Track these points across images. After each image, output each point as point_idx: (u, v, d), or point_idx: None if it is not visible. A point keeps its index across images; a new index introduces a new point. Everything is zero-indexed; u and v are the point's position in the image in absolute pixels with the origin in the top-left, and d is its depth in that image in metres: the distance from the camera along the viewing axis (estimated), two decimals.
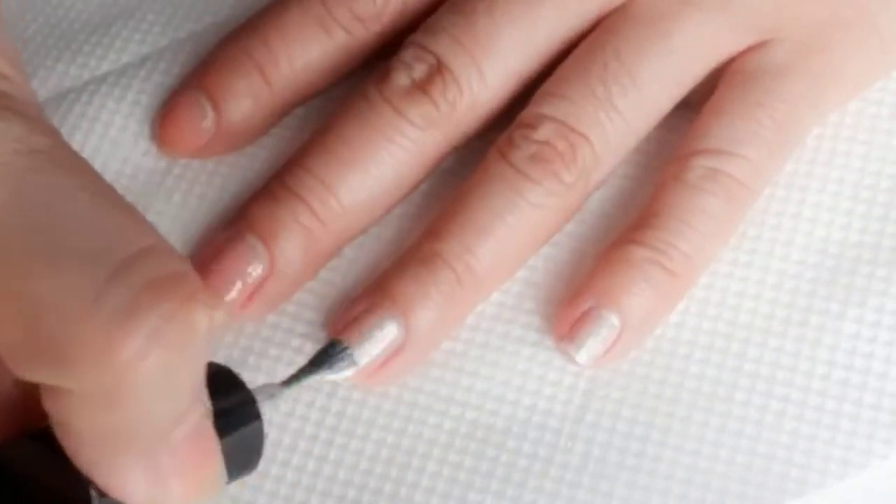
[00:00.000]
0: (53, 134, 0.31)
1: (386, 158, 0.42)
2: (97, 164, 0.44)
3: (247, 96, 0.44)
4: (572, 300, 0.41)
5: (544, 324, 0.42)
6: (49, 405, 0.30)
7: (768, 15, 0.43)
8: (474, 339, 0.42)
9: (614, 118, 0.42)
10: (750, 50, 0.43)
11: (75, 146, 0.44)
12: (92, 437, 0.30)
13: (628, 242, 0.41)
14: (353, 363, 0.40)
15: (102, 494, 0.30)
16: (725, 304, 0.42)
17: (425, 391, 0.41)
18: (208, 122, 0.44)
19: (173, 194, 0.44)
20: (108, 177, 0.44)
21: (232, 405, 0.33)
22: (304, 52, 0.44)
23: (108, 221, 0.30)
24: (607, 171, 0.43)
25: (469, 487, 0.40)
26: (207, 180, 0.45)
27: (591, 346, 0.41)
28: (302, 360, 0.41)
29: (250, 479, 0.40)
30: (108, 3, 0.49)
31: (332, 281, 0.43)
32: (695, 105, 0.43)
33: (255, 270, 0.41)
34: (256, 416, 0.34)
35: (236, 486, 0.40)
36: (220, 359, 0.41)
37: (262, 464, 0.40)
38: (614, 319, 0.41)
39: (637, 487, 0.39)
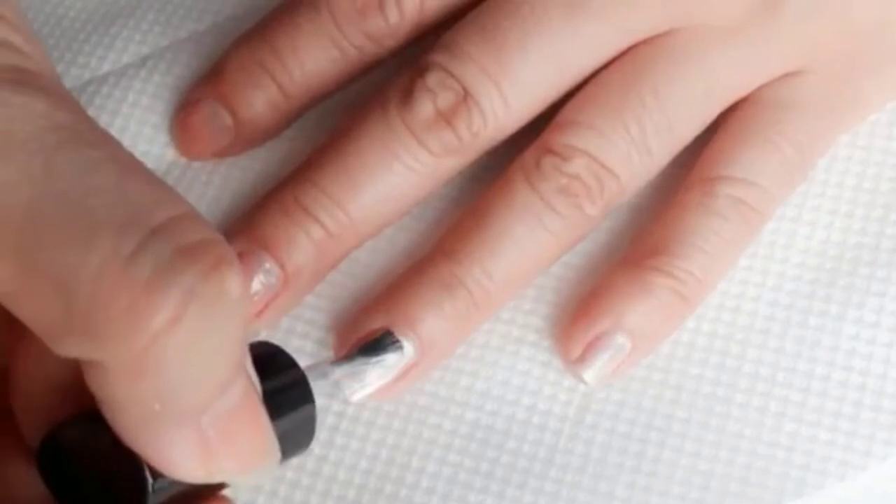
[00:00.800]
0: (76, 108, 0.31)
1: (400, 181, 0.41)
2: None
3: (262, 103, 0.44)
4: (586, 320, 0.41)
5: (544, 324, 0.42)
6: (91, 382, 0.30)
7: (803, 50, 0.43)
8: (474, 339, 0.42)
9: (644, 156, 0.42)
10: (777, 79, 0.43)
11: None
12: (135, 412, 0.30)
13: (646, 268, 0.41)
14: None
15: (157, 475, 0.30)
16: (725, 306, 0.42)
17: (425, 391, 0.41)
18: (225, 127, 0.44)
19: None
20: None
21: (284, 385, 0.33)
22: (316, 68, 0.44)
23: (137, 192, 0.30)
24: (626, 199, 0.43)
25: (469, 488, 0.40)
26: (207, 180, 0.45)
27: (600, 368, 0.41)
28: (303, 361, 0.41)
29: None
30: (109, 2, 0.49)
31: (333, 281, 0.43)
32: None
33: (267, 287, 0.41)
34: (309, 396, 0.34)
35: (235, 485, 0.40)
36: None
37: None
38: (626, 342, 0.41)
39: (637, 488, 0.39)
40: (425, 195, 0.42)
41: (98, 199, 0.29)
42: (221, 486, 0.32)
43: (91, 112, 0.45)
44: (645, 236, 0.42)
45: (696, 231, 0.41)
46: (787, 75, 0.43)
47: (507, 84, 0.41)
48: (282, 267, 0.41)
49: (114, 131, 0.45)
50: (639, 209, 0.43)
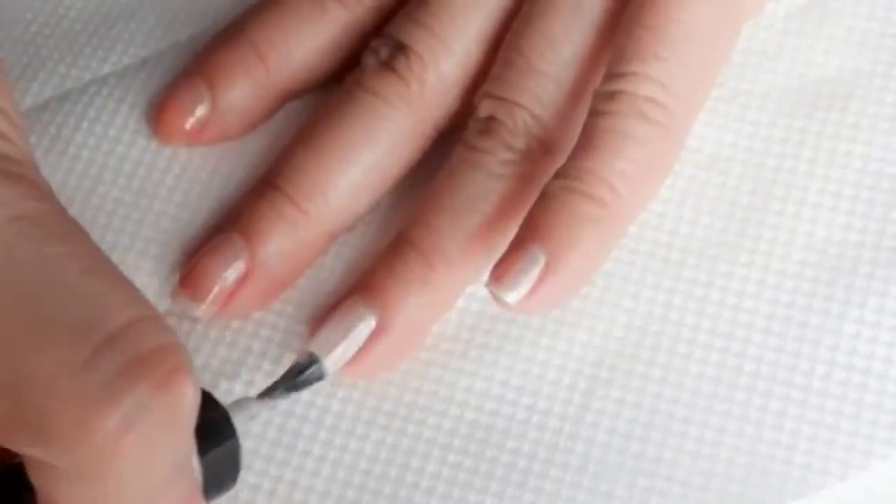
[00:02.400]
0: (46, 197, 0.31)
1: (369, 147, 0.42)
2: (97, 165, 0.45)
3: (244, 79, 0.44)
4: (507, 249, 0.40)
5: (543, 324, 0.42)
6: (33, 475, 0.30)
7: None
8: (474, 339, 0.42)
9: (539, 79, 0.42)
10: None
11: (76, 147, 0.45)
12: None
13: (551, 177, 0.41)
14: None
15: None
16: (725, 304, 0.42)
17: (425, 391, 0.41)
18: (204, 106, 0.44)
19: (173, 194, 0.44)
20: (108, 177, 0.44)
21: (205, 422, 0.33)
22: (300, 32, 0.44)
23: (96, 293, 0.30)
24: (555, 131, 0.42)
25: (469, 488, 0.40)
26: (207, 180, 0.45)
27: (516, 284, 0.39)
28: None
29: (249, 478, 0.40)
30: (109, 4, 0.49)
31: (333, 281, 0.43)
32: None
33: (236, 268, 0.41)
34: (232, 433, 0.34)
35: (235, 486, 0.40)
36: (218, 359, 0.42)
37: (262, 463, 0.40)
38: (538, 253, 0.39)
39: (637, 488, 0.39)
40: (397, 169, 0.43)
41: (55, 298, 0.29)
42: None
43: (92, 114, 0.45)
44: None
45: (590, 133, 0.41)
46: None
47: (438, 26, 0.43)
48: (249, 245, 0.41)
49: (114, 132, 0.45)
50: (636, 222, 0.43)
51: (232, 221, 0.42)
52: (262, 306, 0.42)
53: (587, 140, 0.41)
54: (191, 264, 0.42)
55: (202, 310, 0.41)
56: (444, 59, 0.43)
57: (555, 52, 0.43)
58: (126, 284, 0.30)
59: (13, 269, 0.29)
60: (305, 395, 0.41)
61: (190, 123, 0.44)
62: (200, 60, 0.45)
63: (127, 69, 0.47)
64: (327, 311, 0.41)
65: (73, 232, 0.31)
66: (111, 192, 0.44)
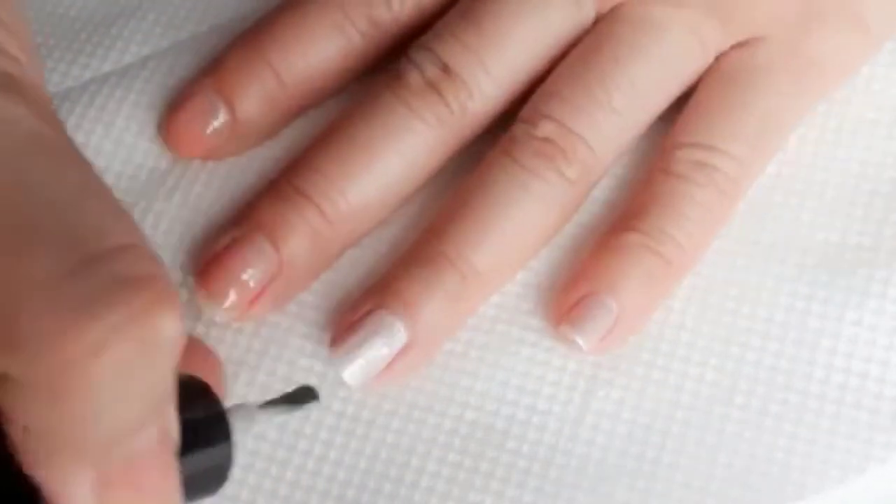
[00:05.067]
0: (55, 122, 0.30)
1: (396, 158, 0.42)
2: (99, 165, 0.44)
3: (260, 97, 0.44)
4: (569, 286, 0.42)
5: (543, 324, 0.42)
6: (2, 396, 0.28)
7: (748, 13, 0.44)
8: (474, 339, 0.42)
9: (610, 116, 0.42)
10: (734, 49, 0.44)
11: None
12: (38, 434, 0.28)
13: (621, 230, 0.42)
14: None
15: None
16: (724, 308, 0.42)
17: (425, 391, 0.41)
18: (220, 122, 0.44)
19: (174, 194, 0.44)
20: (110, 177, 0.44)
21: (200, 418, 0.32)
22: (318, 54, 0.44)
23: (93, 214, 0.29)
24: (606, 170, 0.43)
25: (469, 488, 0.40)
26: (208, 180, 0.45)
27: (591, 331, 0.41)
28: (304, 361, 0.41)
29: (249, 478, 0.40)
30: (109, 2, 0.49)
31: (333, 280, 0.43)
32: (681, 100, 0.44)
33: (263, 270, 0.41)
34: (226, 435, 0.33)
35: (235, 485, 0.40)
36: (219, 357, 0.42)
37: (262, 463, 0.40)
38: (611, 303, 0.41)
39: (636, 490, 0.39)
40: (421, 180, 0.43)
41: (51, 213, 0.28)
42: None
43: (93, 112, 0.45)
44: (623, 207, 0.43)
45: (663, 194, 0.42)
46: (743, 44, 0.44)
47: (485, 55, 0.43)
48: (276, 249, 0.41)
49: (115, 131, 0.45)
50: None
51: (254, 222, 0.42)
52: (278, 308, 0.42)
53: (667, 202, 0.42)
54: (209, 262, 0.41)
55: (224, 312, 0.41)
56: (488, 87, 0.43)
57: (636, 96, 0.43)
58: (125, 215, 0.30)
59: (14, 182, 0.29)
60: None
61: (206, 137, 0.44)
62: (215, 74, 0.44)
63: (128, 68, 0.47)
64: (347, 319, 0.41)
65: (79, 158, 0.30)
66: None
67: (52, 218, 0.29)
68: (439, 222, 0.42)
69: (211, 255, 0.42)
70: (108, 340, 0.28)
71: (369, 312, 0.41)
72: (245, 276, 0.41)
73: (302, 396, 0.36)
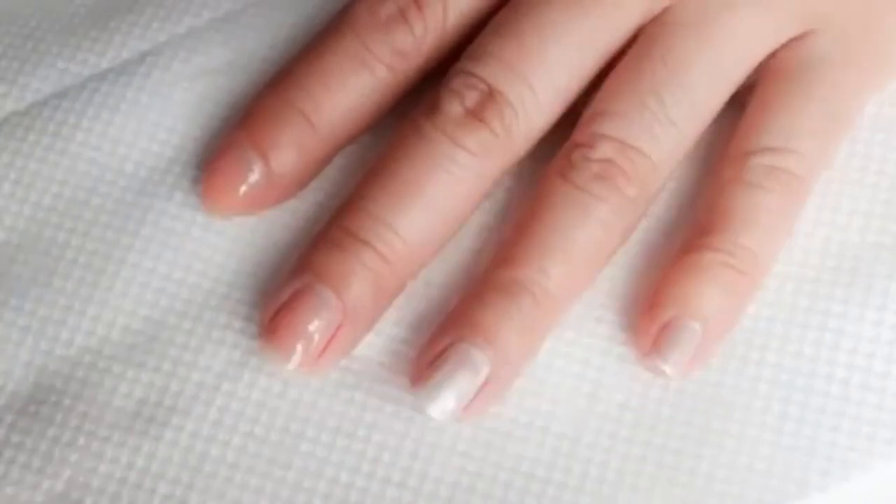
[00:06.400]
0: None
1: (444, 191, 0.41)
2: (98, 164, 0.44)
3: (293, 145, 0.43)
4: (651, 312, 0.41)
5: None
6: None
7: (806, 5, 0.43)
8: None
9: (668, 128, 0.42)
10: (792, 42, 0.43)
11: (77, 146, 0.45)
12: None
13: (698, 248, 0.41)
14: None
15: None
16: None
17: None
18: (256, 176, 0.43)
19: (175, 193, 0.44)
20: (109, 176, 0.44)
21: None
22: (346, 95, 0.43)
23: None
24: (666, 179, 0.43)
25: (472, 492, 0.40)
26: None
27: (678, 357, 0.40)
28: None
29: (252, 481, 0.40)
30: None
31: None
32: (738, 99, 0.43)
33: (328, 320, 0.40)
34: None
35: (238, 489, 0.40)
36: (220, 360, 0.42)
37: (265, 466, 0.40)
38: (696, 326, 0.40)
39: (639, 490, 0.39)
40: (472, 206, 0.42)
41: None
42: None
43: (91, 110, 0.45)
44: (692, 221, 0.42)
45: (738, 206, 0.41)
46: (801, 37, 0.43)
47: (531, 73, 0.41)
48: (339, 298, 0.40)
49: (114, 130, 0.45)
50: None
51: (313, 273, 0.41)
52: (346, 355, 0.41)
53: (741, 214, 0.41)
54: (274, 317, 0.41)
55: (292, 367, 0.40)
56: (533, 108, 0.42)
57: (692, 105, 0.42)
58: None
59: None
60: (308, 397, 0.41)
61: (243, 194, 0.43)
62: (246, 128, 0.43)
63: (126, 64, 0.46)
64: (427, 354, 0.40)
65: None
66: (112, 192, 0.44)
67: None
68: (508, 251, 0.41)
69: (274, 309, 0.41)
70: None
71: (450, 346, 0.40)
72: (311, 329, 0.40)
73: None
